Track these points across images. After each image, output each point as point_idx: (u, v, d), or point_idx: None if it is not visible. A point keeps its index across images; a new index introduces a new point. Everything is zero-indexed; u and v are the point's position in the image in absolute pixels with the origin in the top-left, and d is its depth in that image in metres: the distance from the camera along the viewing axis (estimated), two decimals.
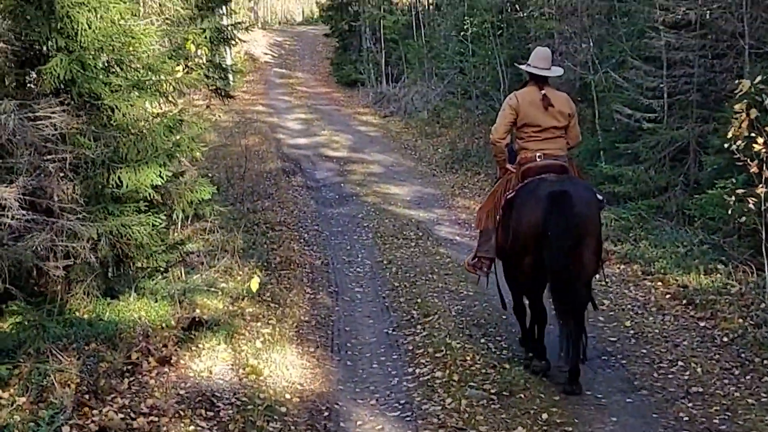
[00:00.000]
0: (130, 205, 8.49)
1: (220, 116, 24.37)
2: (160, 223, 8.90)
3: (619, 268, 11.55)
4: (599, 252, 7.73)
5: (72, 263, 7.85)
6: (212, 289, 9.80)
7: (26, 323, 7.16)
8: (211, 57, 15.17)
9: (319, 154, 23.71)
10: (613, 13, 17.41)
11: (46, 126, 7.12)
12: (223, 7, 16.20)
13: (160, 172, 8.59)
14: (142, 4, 12.22)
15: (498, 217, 7.98)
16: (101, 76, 8.23)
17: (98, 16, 7.99)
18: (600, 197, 7.75)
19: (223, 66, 16.99)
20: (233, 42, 15.35)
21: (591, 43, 17.35)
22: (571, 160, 8.28)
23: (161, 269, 9.60)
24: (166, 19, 12.27)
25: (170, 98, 9.81)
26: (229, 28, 15.33)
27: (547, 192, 7.24)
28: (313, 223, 15.96)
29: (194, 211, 10.98)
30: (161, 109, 10.24)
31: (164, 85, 9.32)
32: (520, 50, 21.29)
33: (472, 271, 8.69)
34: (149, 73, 9.13)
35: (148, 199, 8.80)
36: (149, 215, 8.61)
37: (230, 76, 24.02)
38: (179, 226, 11.55)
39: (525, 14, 20.63)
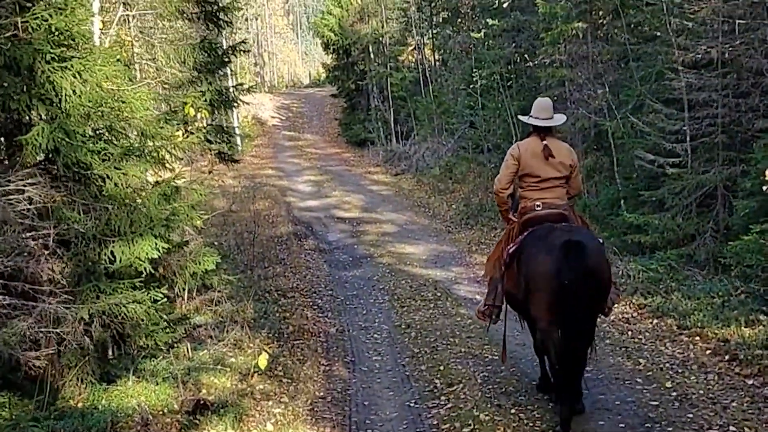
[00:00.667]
0: (125, 281, 7.87)
1: (223, 182, 24.09)
2: (161, 299, 8.33)
3: (651, 322, 10.95)
4: (607, 297, 7.70)
5: (56, 350, 7.21)
6: (219, 366, 9.21)
7: (1, 423, 6.53)
8: (212, 121, 14.71)
9: (331, 215, 23.35)
10: (626, 57, 16.97)
11: (20, 201, 6.54)
12: (226, 70, 15.78)
13: (156, 244, 8.00)
14: (138, 69, 11.79)
15: (503, 268, 8.08)
16: (89, 144, 7.67)
17: (83, 80, 7.45)
18: (600, 241, 7.92)
19: (227, 130, 16.51)
20: (236, 105, 14.87)
21: (606, 89, 16.88)
22: (572, 208, 8.34)
23: (163, 348, 8.98)
24: (163, 82, 11.82)
25: (167, 165, 9.23)
26: (231, 91, 14.88)
27: (561, 241, 7.13)
28: (326, 287, 15.43)
29: (201, 282, 10.44)
30: (160, 177, 9.69)
31: (160, 151, 8.77)
32: (530, 101, 20.81)
33: (482, 318, 8.73)
34: (143, 139, 8.61)
35: (146, 273, 8.18)
36: (146, 291, 8.04)
37: (237, 140, 23.65)
38: (185, 299, 11.00)
39: (535, 63, 20.18)
